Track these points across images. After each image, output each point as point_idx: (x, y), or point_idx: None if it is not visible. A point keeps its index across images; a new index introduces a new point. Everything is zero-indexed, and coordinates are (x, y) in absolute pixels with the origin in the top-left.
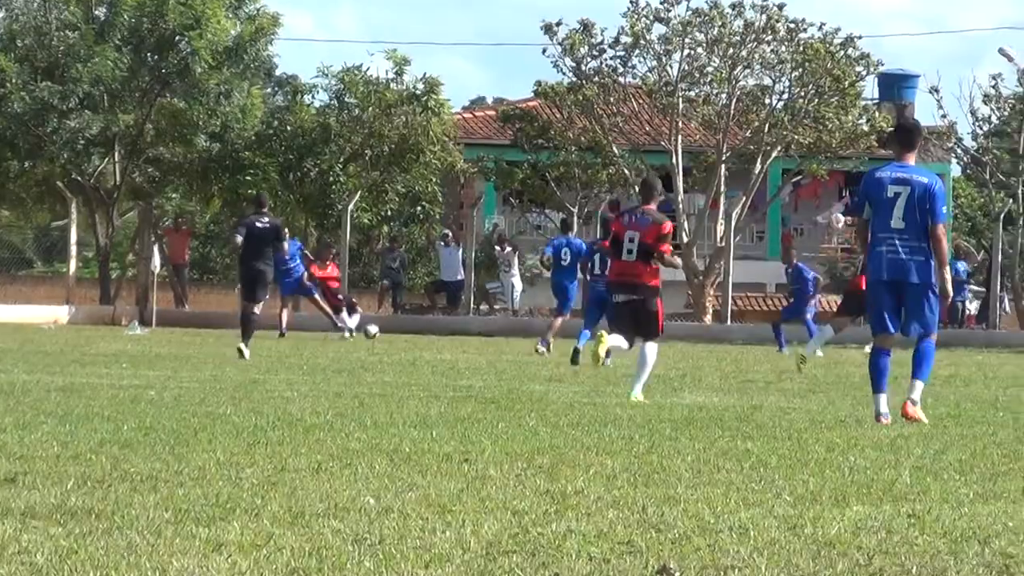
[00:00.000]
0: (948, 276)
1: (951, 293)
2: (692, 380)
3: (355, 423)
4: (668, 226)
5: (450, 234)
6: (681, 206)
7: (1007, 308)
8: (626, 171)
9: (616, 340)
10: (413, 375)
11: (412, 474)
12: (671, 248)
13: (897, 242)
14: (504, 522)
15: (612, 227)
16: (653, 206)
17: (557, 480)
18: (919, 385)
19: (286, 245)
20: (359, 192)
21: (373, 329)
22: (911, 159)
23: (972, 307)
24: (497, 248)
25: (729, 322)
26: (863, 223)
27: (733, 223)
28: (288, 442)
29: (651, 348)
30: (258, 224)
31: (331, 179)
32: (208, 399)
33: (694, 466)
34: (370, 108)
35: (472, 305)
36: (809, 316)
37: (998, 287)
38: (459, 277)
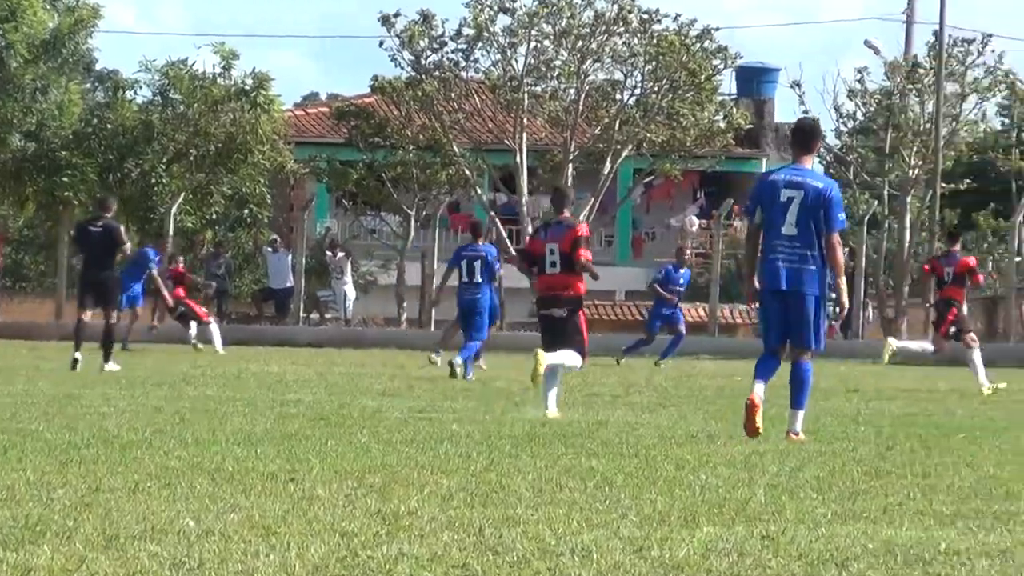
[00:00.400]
0: (844, 286)
1: (847, 305)
2: (535, 395)
3: (175, 440)
4: (583, 228)
5: (278, 239)
6: (525, 209)
7: (871, 316)
8: (467, 171)
9: (551, 357)
10: (238, 389)
11: (235, 494)
12: (589, 255)
13: (789, 249)
14: (332, 545)
15: (528, 247)
16: (568, 213)
17: (389, 500)
18: (800, 416)
19: (127, 247)
20: (183, 194)
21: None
22: (808, 162)
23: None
24: (329, 254)
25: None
26: (754, 229)
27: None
28: (103, 460)
29: (571, 355)
30: (91, 228)
31: (153, 180)
32: (19, 414)
33: (535, 485)
34: (195, 105)
35: (302, 314)
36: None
37: (862, 294)
38: (288, 284)
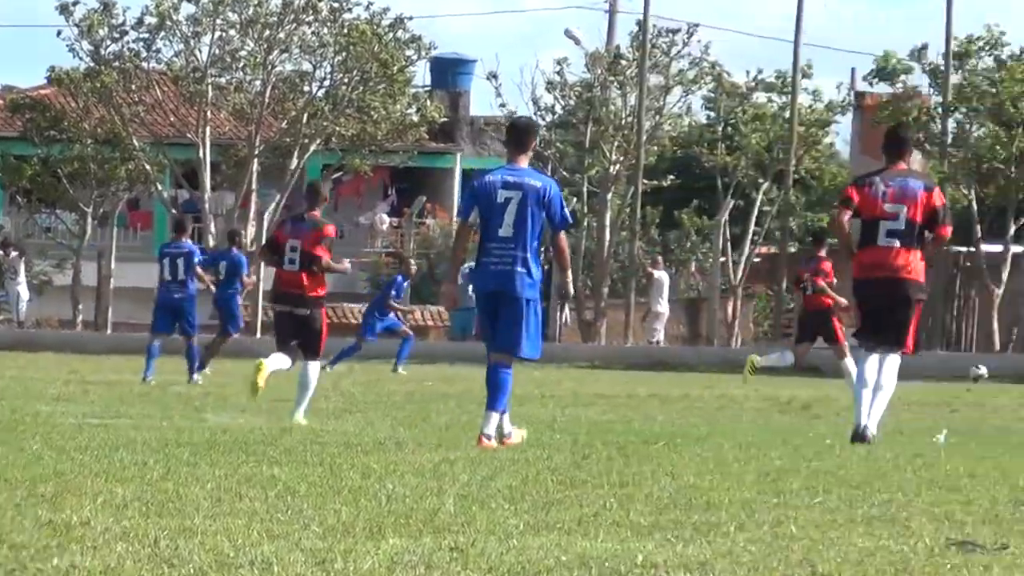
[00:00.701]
0: (571, 280)
1: (572, 291)
2: (216, 399)
3: None
4: (330, 229)
5: None
6: (208, 206)
7: (567, 319)
8: (147, 166)
9: (276, 363)
10: None
11: None
12: (329, 252)
13: (502, 251)
14: (0, 557)
15: (274, 234)
16: (318, 212)
17: (61, 510)
18: (494, 417)
19: None
20: None
21: None
22: (524, 161)
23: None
24: (1, 253)
25: (259, 334)
26: (465, 229)
27: (266, 224)
28: None
29: (313, 367)
30: None
31: None
32: None
33: (214, 494)
34: None
35: None
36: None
37: (559, 295)
38: None
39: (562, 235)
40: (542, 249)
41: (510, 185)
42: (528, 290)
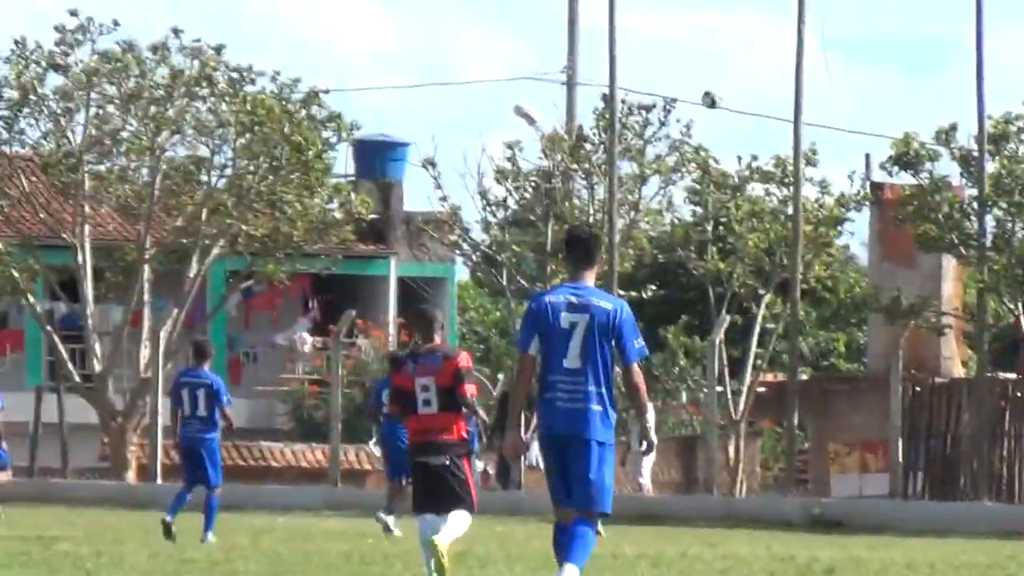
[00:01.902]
0: (651, 422)
1: (655, 440)
2: (111, 560)
3: None
4: (464, 358)
5: None
6: (91, 322)
7: (536, 461)
8: (15, 273)
9: (446, 535)
10: None
11: None
12: (475, 388)
13: (572, 387)
14: None
15: (396, 383)
16: (438, 340)
17: None
18: (571, 571)
19: None
20: None
21: None
22: (590, 279)
23: (485, 463)
24: None
25: (160, 480)
26: (530, 361)
27: (163, 345)
28: None
29: (463, 518)
30: None
31: None
32: None
33: None
34: None
35: None
36: None
37: (525, 429)
38: None
39: (636, 368)
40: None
41: (575, 307)
42: (604, 432)
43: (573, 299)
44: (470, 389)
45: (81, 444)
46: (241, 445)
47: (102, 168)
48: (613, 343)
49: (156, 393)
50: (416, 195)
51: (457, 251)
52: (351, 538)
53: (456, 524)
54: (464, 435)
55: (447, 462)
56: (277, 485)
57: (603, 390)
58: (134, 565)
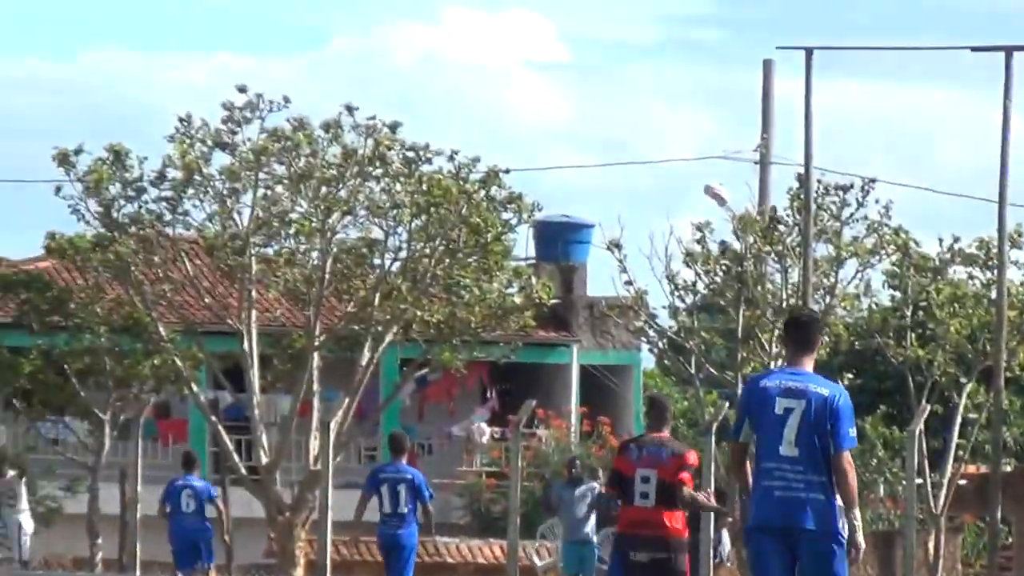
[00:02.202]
0: (859, 521)
1: (862, 544)
2: None
3: None
4: (693, 457)
5: None
6: (257, 412)
7: (725, 554)
8: (178, 361)
9: None
10: None
11: None
12: (692, 481)
13: (789, 475)
14: None
15: (616, 465)
16: (666, 433)
17: None
18: None
19: None
20: None
21: None
22: (808, 364)
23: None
24: None
25: None
26: (740, 448)
27: (333, 436)
28: None
29: None
30: None
31: None
32: None
33: None
34: None
35: None
36: None
37: (712, 527)
38: None
39: (847, 456)
40: None
41: (792, 392)
42: (825, 520)
43: (790, 384)
44: (688, 490)
45: (246, 539)
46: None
47: (270, 251)
48: (829, 428)
49: (326, 487)
50: (600, 279)
51: (643, 338)
52: None
53: None
54: (680, 529)
55: (659, 556)
56: None
57: (824, 478)
58: None
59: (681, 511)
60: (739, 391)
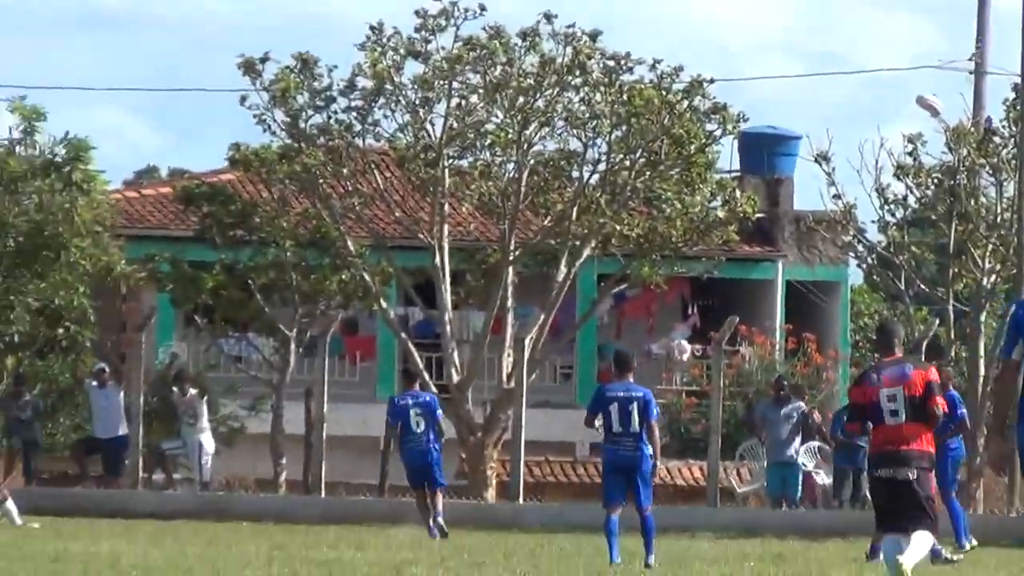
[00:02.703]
0: None
1: None
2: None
3: None
4: (934, 372)
5: (107, 369)
6: (449, 329)
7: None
8: (367, 276)
9: (911, 557)
10: None
11: None
12: (944, 404)
13: None
14: None
15: (854, 398)
16: (900, 353)
17: None
18: None
19: None
20: None
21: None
22: None
23: (822, 478)
24: (176, 391)
25: (522, 499)
26: (1013, 366)
27: (527, 354)
28: None
29: (926, 539)
30: None
31: None
32: None
33: None
34: None
35: (141, 473)
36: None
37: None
38: (120, 432)
39: None
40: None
41: None
42: None
43: None
44: (941, 402)
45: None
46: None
47: (464, 163)
48: None
49: (520, 405)
50: (807, 192)
51: (851, 253)
52: (731, 562)
53: (920, 545)
54: (931, 448)
55: (913, 476)
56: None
57: None
58: None
59: (930, 429)
60: (1010, 308)
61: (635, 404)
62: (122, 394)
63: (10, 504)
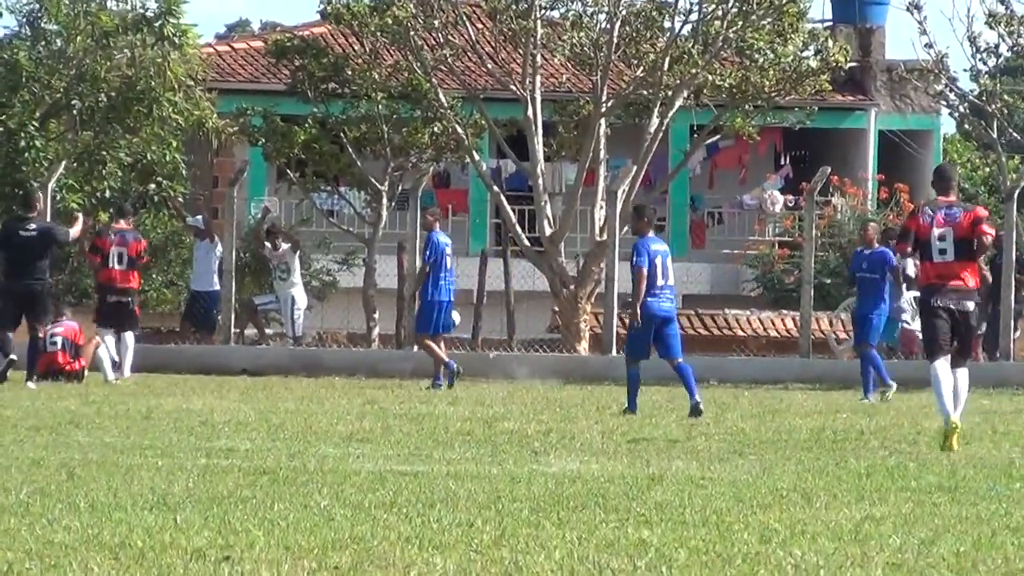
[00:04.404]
0: None
1: None
2: (561, 438)
3: (63, 505)
4: (982, 209)
5: (203, 221)
6: (541, 181)
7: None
8: (459, 129)
9: (960, 408)
10: (147, 433)
11: None
12: (993, 231)
13: None
14: None
15: (909, 225)
16: (953, 197)
17: None
18: None
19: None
20: (64, 163)
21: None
22: None
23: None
24: (268, 245)
25: (615, 352)
26: None
27: (619, 206)
28: None
29: (965, 380)
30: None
31: (22, 143)
32: None
33: (564, 564)
34: (79, 38)
35: (233, 328)
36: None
37: (1012, 297)
38: (214, 287)
39: None
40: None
41: None
42: None
43: None
44: (989, 230)
45: (529, 313)
46: (704, 313)
47: (555, 14)
48: None
49: (612, 258)
50: (898, 41)
51: (943, 102)
52: (823, 414)
53: (964, 389)
54: (975, 285)
55: (961, 306)
56: (742, 356)
57: None
58: (586, 444)
59: (976, 266)
60: None
61: (669, 257)
62: (218, 248)
63: (103, 353)
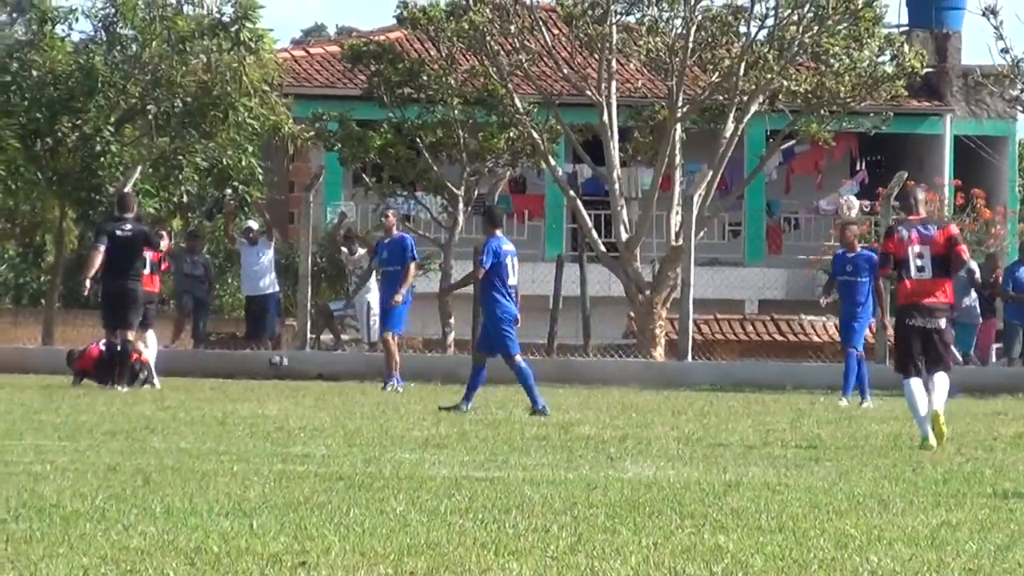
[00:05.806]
0: None
1: None
2: (637, 444)
3: (138, 510)
4: (954, 227)
5: (255, 227)
6: (617, 186)
7: None
8: (535, 134)
9: (939, 400)
10: (223, 439)
11: None
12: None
13: None
14: None
15: (887, 248)
16: (923, 214)
17: None
18: None
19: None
20: (140, 167)
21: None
22: None
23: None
24: (344, 251)
25: (690, 357)
26: None
27: (695, 211)
28: (40, 538)
29: (943, 379)
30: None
31: (98, 148)
32: None
33: (640, 570)
34: (155, 43)
35: (309, 335)
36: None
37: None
38: (270, 290)
39: None
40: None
41: None
42: None
43: None
44: (964, 249)
45: (604, 318)
46: (780, 319)
47: (631, 19)
48: None
49: (688, 263)
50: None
51: (1019, 107)
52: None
53: (943, 386)
54: (949, 299)
55: (935, 323)
56: (818, 362)
57: None
58: (662, 449)
59: (951, 283)
60: None
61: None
62: (272, 247)
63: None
